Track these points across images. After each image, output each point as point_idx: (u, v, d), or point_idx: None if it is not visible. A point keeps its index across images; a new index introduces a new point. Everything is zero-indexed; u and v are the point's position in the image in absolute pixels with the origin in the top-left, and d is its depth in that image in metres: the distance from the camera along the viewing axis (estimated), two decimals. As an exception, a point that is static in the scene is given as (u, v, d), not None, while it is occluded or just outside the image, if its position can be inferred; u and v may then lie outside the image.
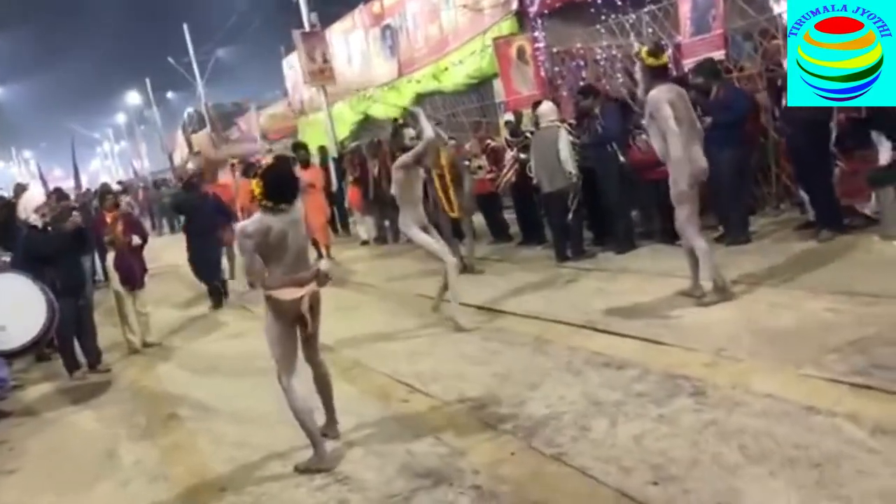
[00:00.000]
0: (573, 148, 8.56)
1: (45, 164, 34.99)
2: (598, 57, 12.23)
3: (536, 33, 12.76)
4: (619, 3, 11.14)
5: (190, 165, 33.47)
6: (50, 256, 7.18)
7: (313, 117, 23.44)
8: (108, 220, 8.60)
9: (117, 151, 77.23)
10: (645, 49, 6.20)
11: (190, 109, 40.61)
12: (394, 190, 7.21)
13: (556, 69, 12.89)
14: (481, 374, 5.46)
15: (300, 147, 12.84)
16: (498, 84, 14.24)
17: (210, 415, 5.78)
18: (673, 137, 5.83)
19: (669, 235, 8.32)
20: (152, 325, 8.83)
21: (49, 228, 7.53)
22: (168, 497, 4.46)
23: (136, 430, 5.77)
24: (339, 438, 4.71)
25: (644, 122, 6.17)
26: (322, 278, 4.48)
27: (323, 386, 4.75)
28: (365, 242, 13.86)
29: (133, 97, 56.09)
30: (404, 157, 6.93)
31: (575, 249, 8.77)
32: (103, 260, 9.32)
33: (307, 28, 19.65)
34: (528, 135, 9.92)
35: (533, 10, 12.69)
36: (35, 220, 7.57)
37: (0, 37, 35.87)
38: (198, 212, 10.33)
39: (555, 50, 12.78)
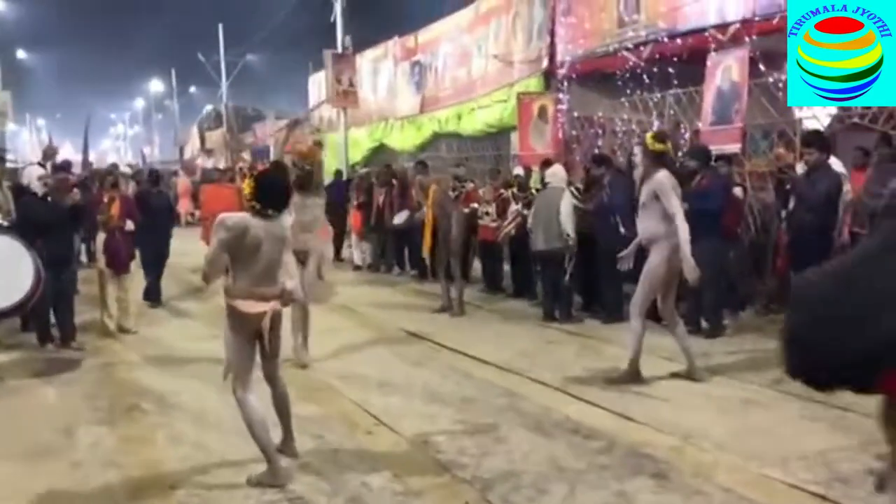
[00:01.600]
0: (575, 211, 8.67)
1: (57, 136, 35.06)
2: (617, 128, 12.42)
3: (561, 95, 12.95)
4: (647, 80, 11.32)
5: (199, 161, 33.66)
6: (44, 226, 7.18)
7: (330, 137, 23.63)
8: (106, 199, 8.61)
9: (130, 135, 77.61)
10: (650, 134, 6.35)
11: (209, 107, 40.96)
12: None
13: (574, 133, 13.06)
14: (450, 417, 5.44)
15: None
16: (514, 137, 14.42)
17: (172, 412, 5.74)
18: (681, 222, 5.89)
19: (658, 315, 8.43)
20: (132, 312, 8.79)
21: (48, 199, 7.55)
22: (117, 484, 4.41)
23: (97, 413, 5.72)
24: (296, 457, 4.67)
25: (641, 201, 6.27)
26: (287, 297, 4.44)
27: (281, 404, 4.66)
28: (357, 267, 13.87)
29: (155, 85, 56.55)
30: None
31: (563, 312, 8.81)
32: (93, 239, 9.29)
33: (339, 50, 19.91)
34: (534, 192, 10.06)
35: (562, 72, 12.90)
36: (36, 187, 7.58)
37: (31, 3, 36.23)
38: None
39: (576, 114, 12.97)
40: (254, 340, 4.37)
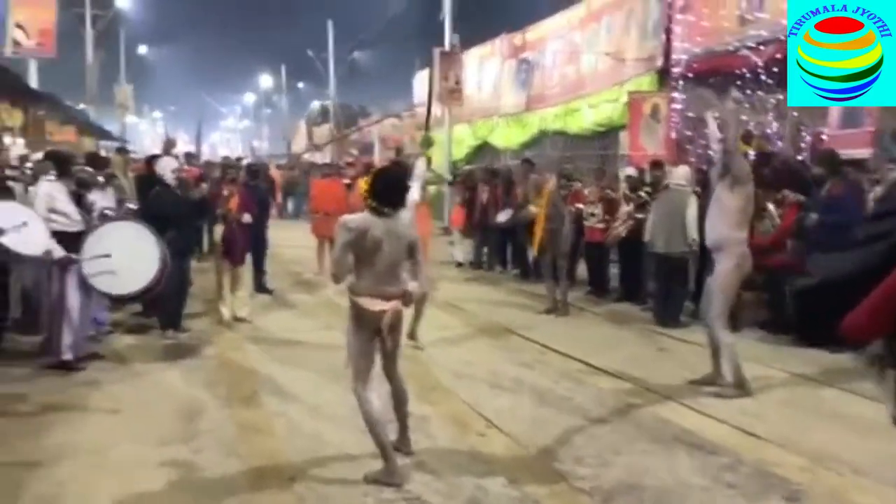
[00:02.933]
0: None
1: (171, 128, 36.61)
2: (734, 130, 11.95)
3: (675, 94, 12.57)
4: (768, 81, 10.84)
5: (306, 156, 34.48)
6: (175, 217, 7.47)
7: (434, 134, 23.77)
8: (225, 193, 8.86)
9: (240, 128, 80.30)
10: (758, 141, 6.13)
11: (317, 103, 41.91)
12: None
13: (688, 133, 12.66)
14: (564, 424, 5.34)
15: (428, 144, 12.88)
16: (624, 136, 14.13)
17: (289, 402, 5.85)
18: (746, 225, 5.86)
19: (777, 326, 8.07)
20: (246, 302, 9.05)
21: (178, 191, 7.85)
22: (237, 474, 4.52)
23: (218, 400, 5.89)
24: (411, 455, 4.67)
25: (712, 202, 6.09)
26: (408, 298, 4.45)
27: (399, 402, 4.68)
28: (459, 265, 13.86)
29: (265, 80, 58.15)
30: None
31: (673, 318, 8.57)
32: (210, 232, 9.59)
33: (447, 48, 19.98)
34: (645, 193, 9.80)
35: (677, 70, 12.53)
36: (170, 179, 7.88)
37: (153, 1, 37.90)
38: None
39: (690, 114, 12.56)
40: (374, 338, 4.39)
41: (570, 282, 9.97)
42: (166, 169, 7.97)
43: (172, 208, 7.53)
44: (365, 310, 4.30)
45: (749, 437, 5.06)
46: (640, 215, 9.52)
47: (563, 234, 9.49)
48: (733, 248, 5.88)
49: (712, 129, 6.38)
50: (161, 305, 8.05)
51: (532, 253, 9.78)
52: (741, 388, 5.94)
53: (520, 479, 4.38)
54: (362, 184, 4.45)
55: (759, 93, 11.09)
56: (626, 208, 10.10)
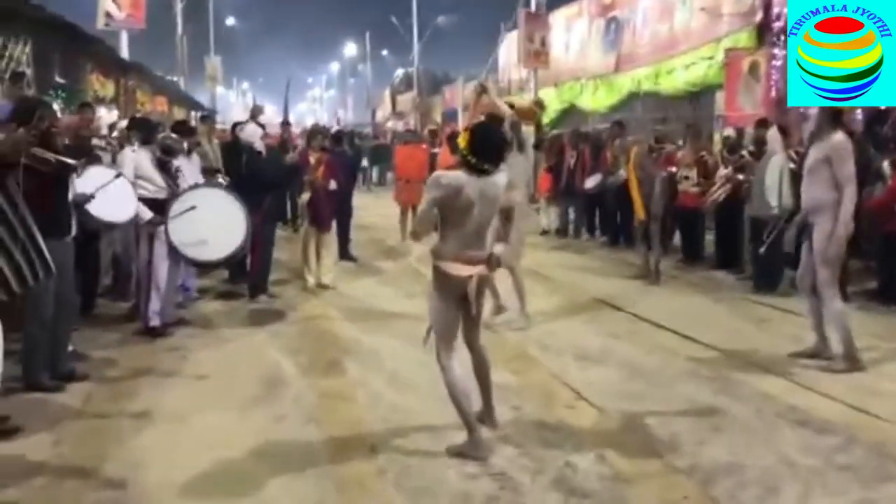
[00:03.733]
0: (794, 179, 7.87)
1: (260, 98, 37.23)
2: (840, 86, 11.18)
3: (776, 50, 11.82)
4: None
5: (389, 124, 34.54)
6: (266, 183, 7.49)
7: (518, 99, 23.33)
8: (312, 160, 8.80)
9: (325, 98, 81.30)
10: None
11: (400, 70, 41.85)
12: None
13: (790, 92, 11.90)
14: (657, 398, 5.05)
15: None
16: (720, 97, 13.45)
17: (371, 370, 5.74)
18: (851, 194, 5.39)
19: (888, 297, 7.53)
20: (330, 269, 9.01)
21: (268, 157, 7.91)
22: (318, 442, 4.42)
23: (300, 367, 5.84)
24: (495, 428, 4.48)
25: (807, 165, 5.57)
26: (494, 262, 4.21)
27: (481, 373, 4.47)
28: (545, 232, 13.55)
29: (350, 49, 58.54)
30: None
31: (767, 283, 8.13)
32: (294, 199, 9.60)
33: (533, 9, 19.47)
34: (746, 154, 9.26)
35: (778, 24, 11.76)
36: (259, 146, 7.90)
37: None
38: None
39: (794, 71, 11.80)
40: (459, 305, 4.18)
41: (663, 249, 9.57)
42: (255, 136, 7.97)
43: (266, 175, 7.55)
44: (450, 275, 4.10)
45: (863, 416, 4.66)
46: (740, 176, 9.00)
47: (654, 199, 9.07)
48: (828, 213, 5.44)
49: None
50: (250, 271, 8.11)
51: (636, 219, 9.33)
52: (852, 361, 5.51)
53: (610, 455, 4.13)
54: (460, 140, 4.18)
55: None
56: (723, 171, 9.57)
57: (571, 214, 13.32)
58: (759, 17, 12.32)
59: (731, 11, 13.17)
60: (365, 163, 22.44)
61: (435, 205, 4.01)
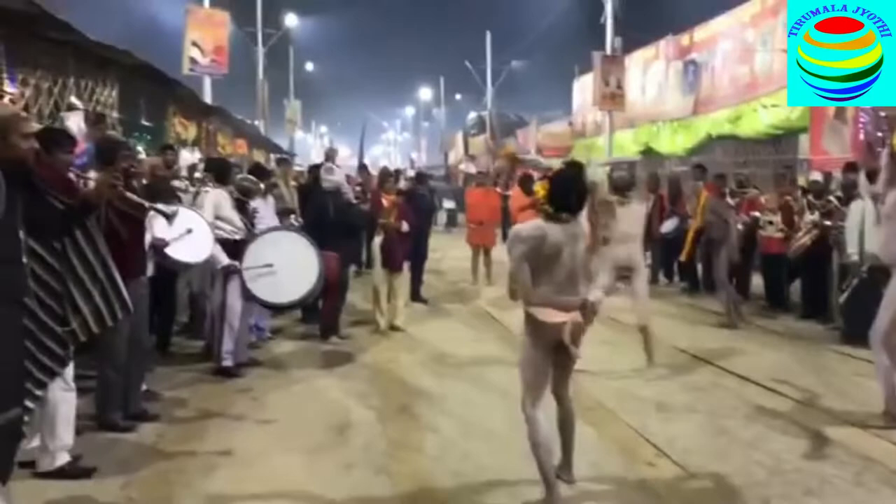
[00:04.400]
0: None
1: (336, 141, 38.01)
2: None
3: (865, 91, 11.37)
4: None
5: (462, 167, 34.71)
6: (349, 227, 7.87)
7: (591, 141, 23.17)
8: (385, 203, 8.80)
9: (399, 141, 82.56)
10: None
11: (473, 114, 42.14)
12: None
13: (879, 134, 11.40)
14: (744, 458, 4.74)
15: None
16: (804, 140, 13.00)
17: (441, 418, 5.58)
18: None
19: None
20: (402, 311, 8.93)
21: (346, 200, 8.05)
22: (389, 496, 4.27)
23: (369, 412, 5.72)
24: (574, 484, 4.26)
25: (885, 212, 5.25)
26: (589, 310, 4.04)
27: (566, 424, 4.30)
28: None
29: (425, 93, 59.34)
30: None
31: (854, 333, 7.67)
32: (369, 243, 9.61)
33: (608, 52, 19.37)
34: (833, 199, 8.86)
35: (867, 65, 11.33)
36: (347, 190, 8.04)
37: (321, 19, 39.56)
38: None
39: (882, 113, 11.31)
40: (551, 353, 4.03)
41: (738, 295, 9.23)
42: (342, 180, 8.09)
43: (350, 219, 7.66)
44: (543, 322, 3.95)
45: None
46: (827, 222, 8.61)
47: (729, 244, 8.78)
48: None
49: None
50: (322, 312, 8.11)
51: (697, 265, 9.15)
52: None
53: (697, 520, 3.86)
54: (538, 188, 4.09)
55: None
56: (809, 216, 9.18)
57: (649, 259, 12.96)
58: (846, 57, 11.89)
59: (816, 52, 12.77)
60: (450, 205, 22.31)
61: (524, 260, 3.92)
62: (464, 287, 12.05)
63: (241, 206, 6.96)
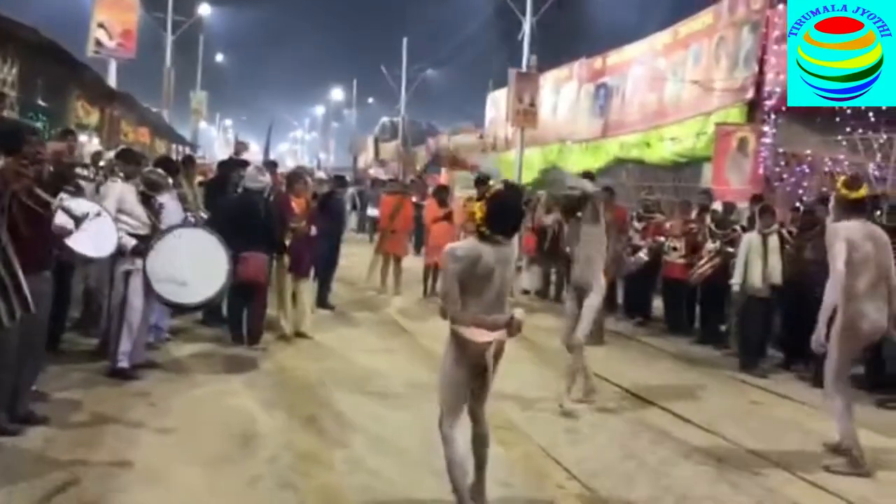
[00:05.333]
0: (784, 257, 8.04)
1: (241, 136, 37.08)
2: (827, 168, 11.27)
3: (766, 128, 11.92)
4: (873, 118, 10.15)
5: (372, 171, 34.54)
6: (268, 227, 7.61)
7: (503, 156, 23.40)
8: (295, 205, 8.55)
9: (307, 140, 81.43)
10: (842, 180, 5.48)
11: (385, 119, 42.01)
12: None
13: (777, 169, 11.98)
14: (651, 483, 4.83)
15: (481, 182, 12.27)
16: (707, 169, 13.48)
17: (350, 431, 5.45)
18: (834, 278, 5.17)
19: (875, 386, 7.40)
20: (308, 316, 8.72)
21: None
22: (294, 512, 4.12)
23: (276, 422, 5.53)
24: (484, 505, 4.22)
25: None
26: (515, 327, 4.03)
27: (480, 446, 4.25)
28: (526, 292, 13.37)
29: (336, 93, 58.77)
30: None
31: (749, 360, 8.14)
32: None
33: (524, 69, 19.63)
34: (739, 229, 9.22)
35: (770, 103, 11.87)
36: (254, 186, 7.77)
37: (235, 10, 38.65)
38: None
39: (781, 150, 11.90)
40: (473, 373, 3.99)
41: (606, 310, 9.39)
42: (250, 179, 7.77)
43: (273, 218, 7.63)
44: (469, 341, 3.90)
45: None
46: (730, 249, 8.94)
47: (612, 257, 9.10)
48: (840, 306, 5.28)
49: None
50: (253, 316, 7.82)
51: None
52: (856, 464, 5.17)
53: (608, 545, 3.89)
54: (475, 209, 4.00)
55: (863, 130, 10.43)
56: (711, 245, 9.51)
57: (554, 276, 13.16)
58: (750, 93, 12.43)
59: (722, 87, 13.30)
60: (372, 212, 21.71)
61: (456, 278, 3.87)
62: (372, 295, 11.90)
63: (147, 200, 6.62)
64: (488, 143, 24.94)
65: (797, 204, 10.39)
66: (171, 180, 7.36)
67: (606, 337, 9.34)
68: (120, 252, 6.04)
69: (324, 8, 78.90)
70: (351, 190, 23.11)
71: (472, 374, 4.00)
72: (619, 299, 11.16)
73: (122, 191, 6.34)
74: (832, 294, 5.23)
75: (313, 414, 5.78)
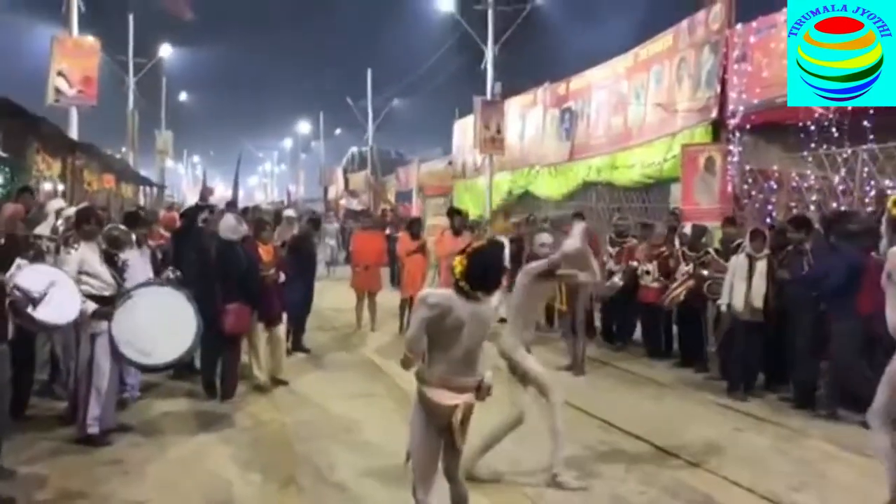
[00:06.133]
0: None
1: (210, 171, 36.76)
2: (795, 184, 11.36)
3: (732, 147, 12.00)
4: (836, 134, 10.25)
5: (343, 202, 34.40)
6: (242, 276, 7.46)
7: (471, 182, 23.43)
8: (263, 253, 8.43)
9: (277, 173, 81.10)
10: (893, 198, 5.35)
11: (354, 149, 41.99)
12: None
13: (745, 187, 12.06)
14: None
15: (456, 213, 12.23)
16: (675, 189, 13.55)
17: (329, 490, 5.30)
18: None
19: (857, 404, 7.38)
20: (284, 362, 8.56)
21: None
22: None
23: (251, 487, 5.35)
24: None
25: (882, 281, 5.24)
26: (484, 391, 3.91)
27: None
28: (503, 320, 13.17)
29: (304, 126, 58.70)
30: (537, 265, 5.67)
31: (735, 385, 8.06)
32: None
33: (489, 97, 19.71)
34: (712, 251, 9.22)
35: (734, 122, 11.98)
36: (232, 237, 7.60)
37: (196, 49, 38.42)
38: None
39: (748, 167, 11.98)
40: (442, 434, 3.85)
41: (588, 338, 9.63)
42: (228, 230, 7.59)
43: (238, 265, 7.36)
44: (436, 404, 3.77)
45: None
46: (704, 272, 8.92)
47: (584, 292, 9.19)
48: None
49: None
50: (228, 371, 7.66)
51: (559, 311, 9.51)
52: None
53: None
54: (456, 263, 3.85)
55: (826, 146, 10.52)
56: (685, 268, 9.49)
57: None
58: (714, 113, 12.53)
59: (686, 108, 13.40)
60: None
61: (424, 326, 3.74)
62: (348, 333, 11.75)
63: (110, 258, 6.46)
64: (458, 171, 24.96)
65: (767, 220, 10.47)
66: (134, 236, 7.24)
67: (586, 365, 9.28)
68: (83, 318, 5.86)
69: (285, 43, 79.11)
70: (335, 225, 22.87)
71: (441, 436, 3.85)
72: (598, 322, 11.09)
73: (83, 252, 6.15)
74: None
75: (291, 474, 5.61)
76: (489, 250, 3.94)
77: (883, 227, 5.37)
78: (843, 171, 10.40)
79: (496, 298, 3.94)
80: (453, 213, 12.16)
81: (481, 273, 3.80)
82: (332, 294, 13.77)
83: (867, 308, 6.28)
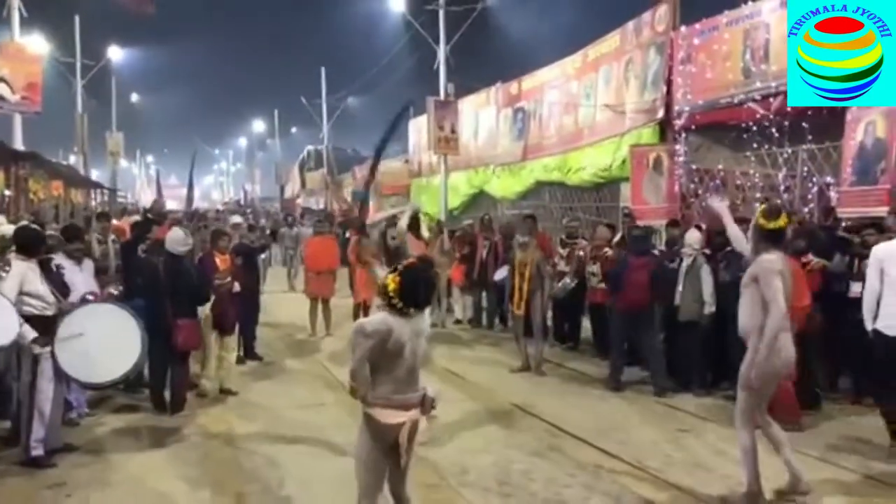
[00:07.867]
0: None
1: (164, 170, 36.29)
2: (739, 182, 11.63)
3: (678, 146, 12.23)
4: (777, 134, 10.52)
5: (300, 201, 34.20)
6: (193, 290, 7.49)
7: (427, 182, 23.49)
8: (219, 262, 8.43)
9: (233, 171, 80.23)
10: (761, 210, 5.50)
11: (310, 147, 41.72)
12: None
13: (692, 186, 12.30)
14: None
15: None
16: (625, 188, 13.75)
17: (280, 505, 5.32)
18: (777, 314, 4.94)
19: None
20: (234, 372, 8.55)
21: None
22: None
23: (200, 504, 5.36)
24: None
25: (742, 284, 5.32)
26: (428, 405, 3.98)
27: None
28: (458, 321, 13.39)
29: (258, 125, 58.23)
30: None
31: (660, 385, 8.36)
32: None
33: (442, 97, 19.75)
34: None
35: (679, 122, 12.22)
36: (180, 251, 7.53)
37: (146, 49, 37.81)
38: None
39: (694, 167, 12.22)
40: (388, 454, 3.91)
41: (544, 340, 9.80)
42: (175, 244, 7.52)
43: (187, 278, 7.43)
44: (382, 424, 3.83)
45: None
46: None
47: (546, 295, 9.50)
48: (755, 339, 5.14)
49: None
50: (176, 384, 7.58)
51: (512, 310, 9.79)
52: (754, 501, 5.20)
53: None
54: (389, 281, 3.88)
55: (768, 146, 10.79)
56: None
57: (485, 303, 13.20)
58: (660, 114, 12.74)
59: (633, 109, 13.60)
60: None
61: (367, 357, 3.79)
62: (301, 339, 11.73)
63: (48, 273, 6.35)
64: (414, 170, 24.99)
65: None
66: (75, 246, 7.19)
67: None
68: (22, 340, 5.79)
69: (238, 42, 78.32)
70: (294, 231, 22.64)
71: (388, 455, 3.92)
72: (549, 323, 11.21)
73: (23, 272, 6.04)
74: (772, 330, 4.96)
75: (241, 491, 5.61)
76: (420, 267, 4.00)
77: (750, 234, 5.48)
78: (784, 170, 10.68)
79: (427, 311, 4.01)
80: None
81: (413, 289, 3.86)
82: (293, 303, 13.68)
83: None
